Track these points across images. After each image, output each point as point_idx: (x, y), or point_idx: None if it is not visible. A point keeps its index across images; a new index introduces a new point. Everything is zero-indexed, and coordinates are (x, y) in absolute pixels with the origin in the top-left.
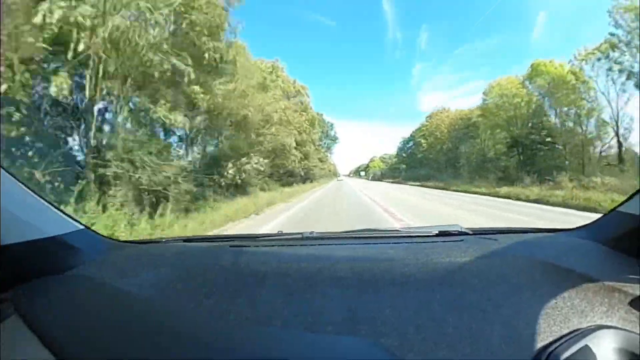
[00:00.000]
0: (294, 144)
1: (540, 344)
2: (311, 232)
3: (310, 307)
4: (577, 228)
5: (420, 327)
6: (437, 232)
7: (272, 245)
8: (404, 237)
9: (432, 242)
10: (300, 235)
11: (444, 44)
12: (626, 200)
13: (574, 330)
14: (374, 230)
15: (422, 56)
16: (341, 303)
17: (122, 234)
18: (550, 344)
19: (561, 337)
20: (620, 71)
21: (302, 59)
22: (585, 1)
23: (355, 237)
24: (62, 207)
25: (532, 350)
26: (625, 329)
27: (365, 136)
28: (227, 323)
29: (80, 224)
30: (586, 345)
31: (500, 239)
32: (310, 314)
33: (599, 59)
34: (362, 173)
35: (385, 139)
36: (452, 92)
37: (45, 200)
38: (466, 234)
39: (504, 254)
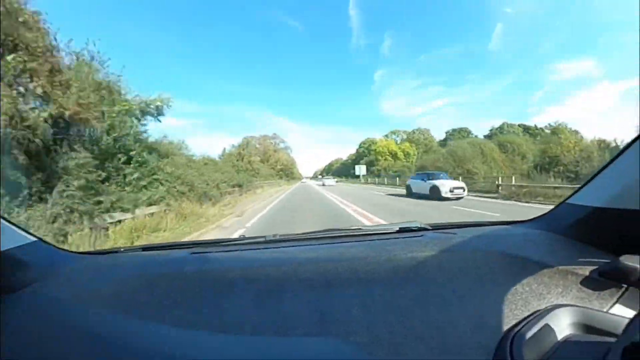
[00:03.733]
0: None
1: (505, 327)
2: (274, 235)
3: (278, 311)
4: (531, 220)
5: (388, 322)
6: (397, 228)
7: (236, 250)
8: (366, 235)
9: (394, 238)
10: (263, 239)
11: (406, 51)
12: (575, 193)
13: (535, 312)
14: (337, 230)
15: (385, 62)
16: (309, 305)
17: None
18: (514, 326)
19: (523, 319)
20: None
21: (267, 61)
22: (537, 17)
23: (319, 238)
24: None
25: (498, 334)
26: (578, 306)
27: (328, 140)
28: (194, 334)
29: (32, 235)
30: (546, 324)
31: (458, 233)
32: (280, 318)
33: None
34: (323, 175)
35: (347, 143)
36: (412, 97)
37: None
38: (425, 229)
39: (463, 247)
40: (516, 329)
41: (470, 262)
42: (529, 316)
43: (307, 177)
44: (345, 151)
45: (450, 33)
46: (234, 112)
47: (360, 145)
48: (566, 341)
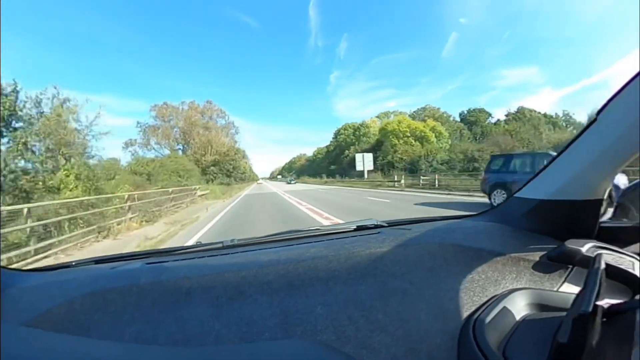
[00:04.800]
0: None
1: (465, 313)
2: (232, 240)
3: (241, 317)
4: (481, 213)
5: (352, 318)
6: (355, 227)
7: (192, 258)
8: (324, 234)
9: (352, 236)
10: (220, 244)
11: (362, 54)
12: (522, 187)
13: (492, 297)
14: (295, 231)
15: (340, 64)
16: (272, 308)
17: None
18: (475, 311)
19: (482, 305)
20: None
21: (222, 59)
22: (489, 28)
23: (277, 240)
24: None
25: (459, 320)
26: (531, 288)
27: (283, 140)
28: (156, 350)
29: None
30: (504, 307)
31: (413, 229)
32: (243, 324)
33: None
34: (281, 176)
35: (301, 144)
36: (365, 98)
37: None
38: (382, 226)
39: (418, 241)
40: (476, 314)
41: (425, 255)
42: (487, 301)
43: (263, 178)
44: (298, 151)
45: (405, 39)
46: None
47: (339, 132)
48: (524, 320)
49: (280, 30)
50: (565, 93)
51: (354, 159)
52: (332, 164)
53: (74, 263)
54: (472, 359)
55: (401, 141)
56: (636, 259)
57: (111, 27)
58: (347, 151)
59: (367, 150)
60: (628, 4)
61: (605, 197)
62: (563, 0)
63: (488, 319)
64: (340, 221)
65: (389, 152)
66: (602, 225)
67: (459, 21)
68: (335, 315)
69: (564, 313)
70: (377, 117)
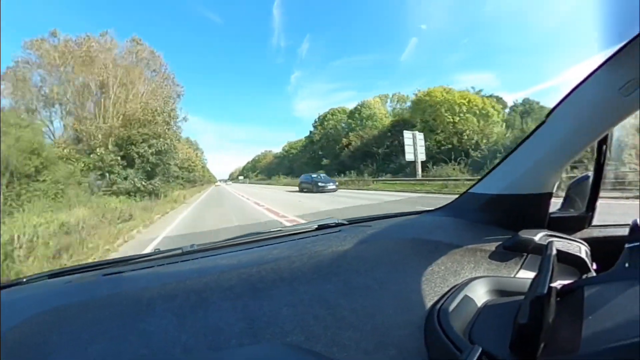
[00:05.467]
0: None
1: (429, 303)
2: (191, 246)
3: (207, 325)
4: (438, 208)
5: (319, 317)
6: (316, 226)
7: (151, 267)
8: (286, 235)
9: (314, 236)
10: (180, 251)
11: (323, 55)
12: (475, 184)
13: (453, 287)
14: (256, 233)
15: (302, 64)
16: (237, 313)
17: None
18: (437, 301)
19: (444, 295)
20: None
21: (181, 54)
22: (449, 35)
23: (238, 244)
24: None
25: (423, 311)
26: (490, 275)
27: (242, 140)
28: None
29: None
30: (465, 295)
31: (373, 225)
32: (209, 332)
33: None
34: (243, 177)
35: (261, 144)
36: (325, 99)
37: None
38: (342, 224)
39: (379, 237)
40: (440, 304)
41: (386, 250)
42: (448, 291)
43: (222, 180)
44: (257, 151)
45: (366, 42)
46: None
47: (324, 119)
48: (485, 306)
49: (244, 28)
50: (519, 97)
51: (363, 149)
52: (324, 157)
53: (25, 279)
54: (439, 346)
55: (457, 118)
56: (582, 244)
57: (69, 19)
58: (344, 139)
59: (381, 137)
60: (577, 20)
61: (553, 190)
62: (520, 12)
63: (451, 307)
64: (302, 221)
65: (448, 133)
66: (552, 215)
67: (419, 27)
68: (302, 316)
69: (522, 297)
70: (379, 97)
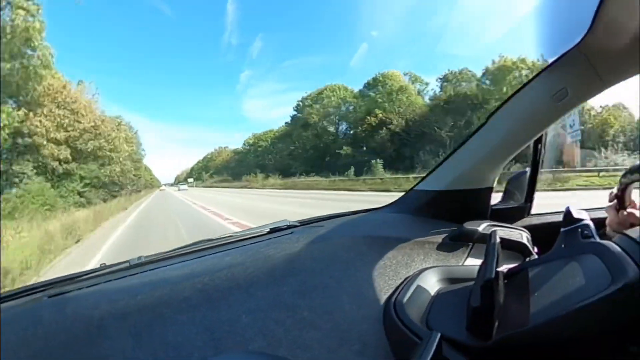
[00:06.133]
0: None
1: (384, 296)
2: (139, 258)
3: (165, 341)
4: (386, 205)
5: (279, 320)
6: (268, 230)
7: (98, 283)
8: (237, 241)
9: (266, 240)
10: (127, 264)
11: (275, 55)
12: (420, 182)
13: (406, 278)
14: (206, 240)
15: (252, 63)
16: (195, 326)
17: None
18: (392, 294)
19: (398, 287)
20: None
21: (126, 46)
22: (397, 41)
23: (189, 252)
24: None
25: (380, 304)
26: (439, 265)
27: (188, 140)
28: None
29: None
30: (418, 285)
31: (325, 225)
32: (169, 349)
33: None
34: (191, 180)
35: (206, 145)
36: (275, 100)
37: None
38: (295, 226)
39: (331, 236)
40: (395, 296)
41: (339, 248)
42: (401, 283)
43: (167, 184)
44: (203, 152)
45: (318, 44)
46: None
47: (319, 97)
48: (438, 294)
49: (195, 22)
50: None
51: (414, 131)
52: (342, 144)
53: None
54: (400, 336)
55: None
56: (523, 231)
57: None
58: (371, 118)
59: (441, 115)
60: (518, 35)
61: (494, 185)
62: (465, 25)
63: (406, 298)
64: (252, 225)
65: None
66: (494, 207)
67: (370, 33)
68: (262, 321)
69: (472, 282)
70: (404, 74)
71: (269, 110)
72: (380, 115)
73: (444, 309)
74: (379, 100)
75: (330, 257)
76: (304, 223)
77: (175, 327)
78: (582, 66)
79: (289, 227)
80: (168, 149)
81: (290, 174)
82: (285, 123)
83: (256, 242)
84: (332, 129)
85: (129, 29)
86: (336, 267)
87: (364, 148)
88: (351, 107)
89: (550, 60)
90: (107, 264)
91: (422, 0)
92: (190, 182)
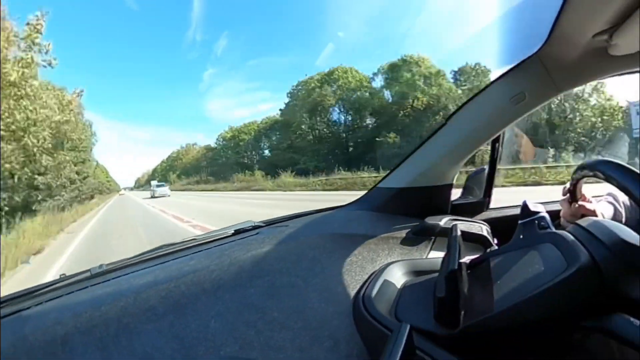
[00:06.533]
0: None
1: (352, 292)
2: (100, 266)
3: (134, 353)
4: (350, 203)
5: (250, 322)
6: (232, 231)
7: (59, 296)
8: (202, 244)
9: (231, 242)
10: (88, 273)
11: (240, 53)
12: (382, 179)
13: (372, 273)
14: (169, 245)
15: (217, 61)
16: (164, 335)
17: None
18: (360, 289)
19: (365, 282)
20: None
21: (85, 37)
22: (362, 44)
23: (152, 258)
24: None
25: (349, 300)
26: (404, 259)
27: (148, 141)
28: None
29: None
30: (385, 279)
31: (290, 224)
32: None
33: None
34: (156, 183)
35: (168, 145)
36: (240, 99)
37: None
38: (260, 226)
39: (297, 235)
40: (363, 291)
41: (306, 247)
42: (368, 278)
43: (127, 188)
44: (165, 153)
45: (284, 43)
46: None
47: (333, 74)
48: (405, 287)
49: (160, 16)
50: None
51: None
52: (331, 145)
53: None
54: (370, 330)
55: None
56: (483, 224)
57: None
58: (403, 111)
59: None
60: (479, 42)
61: (453, 182)
62: (431, 31)
63: (374, 292)
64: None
65: None
66: (454, 203)
67: (337, 34)
68: (232, 325)
69: (436, 274)
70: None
71: (232, 110)
72: (425, 99)
73: (412, 301)
74: (418, 82)
75: (297, 256)
76: (270, 223)
77: (143, 337)
78: (539, 73)
79: (254, 227)
80: (127, 149)
81: (299, 170)
82: (280, 110)
83: (221, 245)
84: (351, 115)
85: (85, 18)
86: (303, 265)
87: (409, 136)
88: (367, 93)
89: (510, 67)
90: (67, 274)
91: (388, 5)
92: (156, 185)
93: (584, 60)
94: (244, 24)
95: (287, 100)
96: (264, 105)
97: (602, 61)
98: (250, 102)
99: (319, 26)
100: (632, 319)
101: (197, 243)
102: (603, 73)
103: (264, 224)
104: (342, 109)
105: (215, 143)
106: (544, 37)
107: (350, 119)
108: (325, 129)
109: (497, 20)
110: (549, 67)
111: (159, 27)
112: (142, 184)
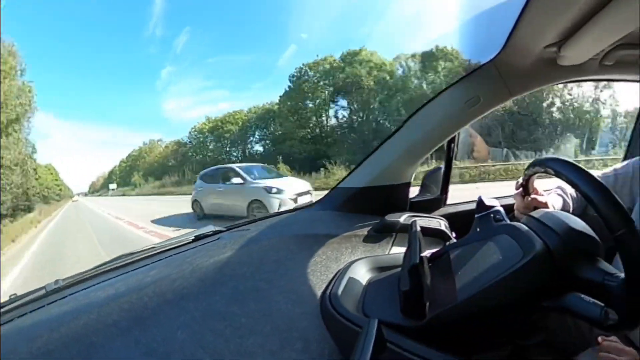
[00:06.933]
0: None
1: (318, 292)
2: (56, 282)
3: None
4: (313, 204)
5: (217, 331)
6: (193, 237)
7: (11, 320)
8: (162, 252)
9: (192, 248)
10: (43, 291)
11: (200, 51)
12: (343, 179)
13: (337, 272)
14: (128, 254)
15: (176, 58)
16: (130, 350)
17: None
18: (326, 288)
19: (331, 280)
20: None
21: (33, 26)
22: (325, 46)
23: (111, 270)
24: None
25: (316, 300)
26: (367, 256)
27: (107, 143)
28: None
29: None
30: (350, 277)
31: (252, 228)
32: None
33: None
34: (114, 187)
35: (122, 146)
36: (198, 98)
37: None
38: (221, 231)
39: (260, 239)
40: (329, 290)
41: (268, 250)
42: (334, 277)
43: (81, 194)
44: (120, 155)
45: (246, 42)
46: None
47: (353, 55)
48: (370, 283)
49: (118, 7)
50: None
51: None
52: (366, 134)
53: None
54: (340, 328)
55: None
56: (441, 219)
57: None
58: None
59: None
60: (437, 49)
61: (411, 180)
62: (391, 35)
63: (340, 290)
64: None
65: None
66: (412, 200)
67: (300, 35)
68: (200, 334)
69: (399, 269)
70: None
71: (190, 109)
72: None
73: (378, 296)
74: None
75: (260, 260)
76: (231, 228)
77: (108, 355)
78: (494, 78)
79: (215, 232)
80: (80, 151)
81: (316, 166)
82: (280, 97)
83: (182, 252)
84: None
85: (33, 8)
86: (267, 269)
87: None
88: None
89: (465, 73)
90: (18, 294)
91: (351, 9)
92: (114, 190)
93: (535, 68)
94: (207, 19)
95: (285, 86)
96: (223, 104)
97: (551, 70)
98: (207, 100)
99: (282, 27)
100: (583, 296)
101: (156, 251)
102: (552, 80)
103: (225, 229)
104: (379, 92)
105: (188, 137)
106: (500, 45)
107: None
108: (367, 112)
109: (457, 28)
110: (503, 73)
111: (116, 18)
112: (97, 189)
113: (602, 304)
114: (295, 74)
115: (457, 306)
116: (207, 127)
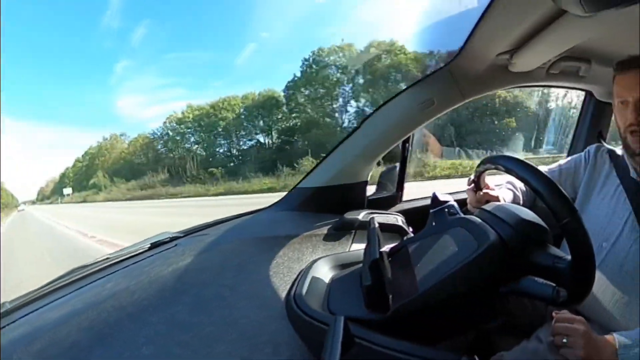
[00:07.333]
0: None
1: (283, 294)
2: (3, 304)
3: None
4: (272, 205)
5: (183, 342)
6: (149, 245)
7: None
8: (117, 262)
9: (148, 257)
10: None
11: (157, 46)
12: (302, 180)
13: (300, 272)
14: (82, 267)
15: (132, 53)
16: None
17: None
18: (290, 289)
19: (294, 281)
20: None
21: None
22: (287, 46)
23: (65, 285)
24: None
25: (281, 302)
26: (328, 255)
27: (57, 144)
28: None
29: None
30: (313, 276)
31: (210, 232)
32: None
33: None
34: (68, 192)
35: (72, 147)
36: (153, 96)
37: None
38: (178, 237)
39: (219, 243)
40: (293, 290)
41: (228, 255)
42: (297, 277)
43: (28, 202)
44: (70, 158)
45: (205, 39)
46: None
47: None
48: (333, 281)
49: None
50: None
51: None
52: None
53: None
54: (307, 328)
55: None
56: (398, 215)
57: None
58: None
59: None
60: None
61: (368, 179)
62: (353, 36)
63: (304, 290)
64: (126, 243)
65: None
66: (370, 198)
67: (260, 34)
68: (166, 348)
69: (361, 265)
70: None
71: (144, 107)
72: None
73: (342, 293)
74: None
75: (221, 265)
76: (188, 233)
77: None
78: (448, 82)
79: (172, 239)
80: (25, 154)
81: None
82: (287, 85)
83: (138, 261)
84: None
85: None
86: (228, 274)
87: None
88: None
89: (420, 77)
90: None
91: (314, 11)
92: (68, 196)
93: (488, 74)
94: (166, 14)
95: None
96: (179, 102)
97: (503, 76)
98: (163, 99)
99: (242, 24)
100: (536, 278)
101: (111, 262)
102: (503, 85)
103: (182, 234)
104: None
105: (162, 129)
106: (455, 51)
107: None
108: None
109: (415, 33)
110: (457, 78)
111: (70, 7)
112: (47, 195)
113: (554, 284)
114: (314, 57)
115: (418, 297)
116: (190, 116)
